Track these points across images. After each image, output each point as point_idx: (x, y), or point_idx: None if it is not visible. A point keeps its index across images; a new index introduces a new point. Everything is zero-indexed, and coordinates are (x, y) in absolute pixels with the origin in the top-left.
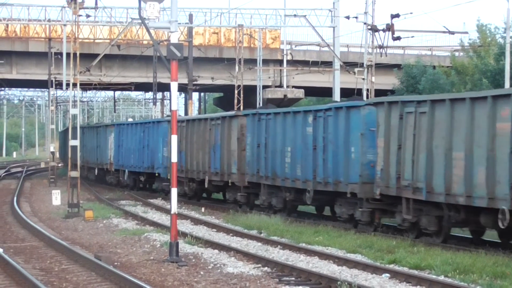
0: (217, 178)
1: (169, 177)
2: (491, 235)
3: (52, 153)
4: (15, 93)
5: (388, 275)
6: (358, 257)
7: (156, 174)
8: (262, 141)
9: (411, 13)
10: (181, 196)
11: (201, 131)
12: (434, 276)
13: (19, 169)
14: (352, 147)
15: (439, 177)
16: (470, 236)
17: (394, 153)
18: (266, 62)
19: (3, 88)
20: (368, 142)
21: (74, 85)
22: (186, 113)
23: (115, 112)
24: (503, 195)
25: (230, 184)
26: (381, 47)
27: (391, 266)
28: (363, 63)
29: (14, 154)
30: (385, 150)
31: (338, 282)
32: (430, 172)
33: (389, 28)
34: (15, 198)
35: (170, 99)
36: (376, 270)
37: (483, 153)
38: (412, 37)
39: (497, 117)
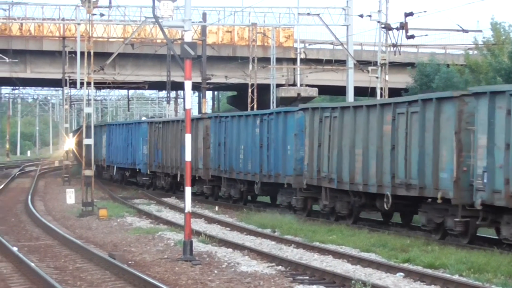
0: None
1: (149, 172)
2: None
3: (66, 152)
4: (29, 92)
5: (402, 274)
6: (372, 256)
7: (137, 170)
8: (222, 140)
9: (424, 11)
10: (160, 189)
11: (174, 131)
12: (448, 275)
13: (33, 167)
14: (288, 145)
15: (346, 170)
16: (486, 236)
17: (315, 150)
18: (279, 60)
19: (17, 87)
20: (300, 141)
21: (88, 84)
22: (199, 111)
23: (128, 111)
24: (387, 183)
25: (197, 178)
26: (394, 45)
27: (405, 265)
28: (376, 62)
29: (28, 153)
30: (310, 148)
31: (352, 281)
32: (340, 166)
33: (403, 26)
34: (29, 197)
35: (183, 98)
36: (390, 269)
37: (374, 149)
38: (426, 35)
39: (384, 121)
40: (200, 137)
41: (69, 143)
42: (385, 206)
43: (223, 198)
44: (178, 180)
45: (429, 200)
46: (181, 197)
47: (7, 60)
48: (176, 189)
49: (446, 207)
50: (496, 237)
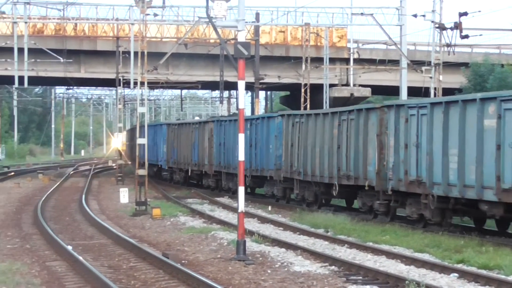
0: (196, 168)
1: (167, 168)
2: None
3: (120, 151)
4: (83, 92)
5: (456, 274)
6: (425, 257)
7: (159, 166)
8: (222, 140)
9: (479, 11)
10: (176, 183)
11: (186, 132)
12: (503, 276)
13: (87, 167)
14: (270, 145)
15: (309, 165)
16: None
17: (289, 149)
18: (332, 60)
19: (71, 87)
20: (279, 141)
21: (142, 83)
22: (252, 111)
23: (182, 110)
24: (335, 175)
25: (203, 173)
26: (448, 45)
27: (459, 265)
28: (430, 62)
29: (82, 152)
30: (285, 147)
31: (406, 282)
32: (305, 161)
33: (457, 26)
34: (83, 196)
35: (237, 98)
36: (444, 269)
37: (327, 149)
38: (480, 35)
39: (333, 126)
40: (206, 138)
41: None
42: (333, 193)
43: (224, 190)
44: (190, 174)
45: (366, 188)
46: (234, 197)
47: (62, 60)
48: (189, 183)
49: (374, 193)
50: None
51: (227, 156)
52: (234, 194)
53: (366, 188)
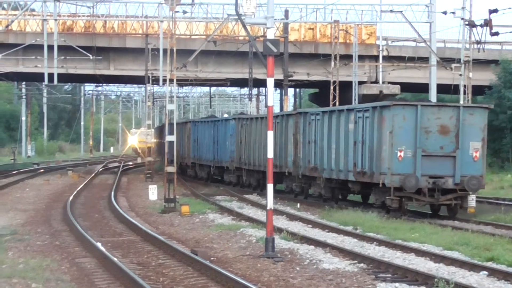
0: (218, 164)
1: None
2: None
3: (149, 148)
4: (113, 89)
5: (486, 272)
6: (455, 254)
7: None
8: (197, 137)
9: (509, 8)
10: (199, 179)
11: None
12: None
13: (116, 164)
14: (227, 142)
15: (251, 157)
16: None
17: (239, 145)
18: (361, 57)
19: (100, 84)
20: (233, 139)
21: (171, 80)
22: (281, 108)
23: (210, 107)
24: (264, 163)
25: (225, 168)
26: (478, 42)
27: (489, 263)
28: (460, 59)
29: (111, 149)
30: (237, 144)
31: (435, 279)
32: (249, 154)
33: (487, 23)
34: (112, 193)
35: (266, 95)
36: (473, 267)
37: (258, 144)
38: (511, 32)
39: (266, 127)
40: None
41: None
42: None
43: (197, 178)
44: (212, 173)
45: (286, 173)
46: (263, 194)
47: (91, 57)
48: (212, 179)
49: (292, 177)
50: None
51: (200, 150)
52: (262, 191)
53: (286, 174)
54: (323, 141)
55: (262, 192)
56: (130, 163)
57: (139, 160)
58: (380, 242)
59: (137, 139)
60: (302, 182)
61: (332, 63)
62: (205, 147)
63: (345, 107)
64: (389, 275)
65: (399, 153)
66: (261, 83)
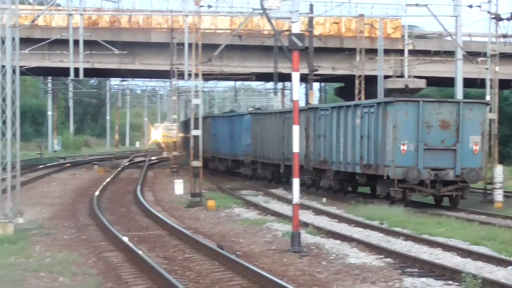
0: (234, 158)
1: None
2: None
3: (174, 143)
4: (138, 83)
5: None
6: (482, 249)
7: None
8: (214, 132)
9: None
10: (214, 170)
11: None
12: None
13: (142, 158)
14: (242, 136)
15: (266, 151)
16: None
17: (255, 139)
18: (387, 52)
19: (126, 79)
20: (248, 133)
21: (196, 75)
22: (306, 103)
23: (236, 102)
24: (281, 156)
25: (241, 161)
26: (505, 36)
27: None
28: (486, 53)
29: (137, 143)
30: (252, 138)
31: (462, 274)
32: (263, 148)
33: None
34: (138, 188)
35: (291, 90)
36: (501, 262)
37: (276, 138)
38: None
39: (279, 122)
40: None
41: (156, 134)
42: (281, 170)
43: (218, 171)
44: (229, 166)
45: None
46: (289, 188)
47: (116, 52)
48: (231, 172)
49: (304, 171)
50: None
51: (218, 144)
52: (289, 186)
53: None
54: (332, 135)
55: (277, 184)
56: (154, 158)
57: (164, 155)
58: (407, 237)
59: (161, 133)
60: (313, 175)
61: (357, 57)
62: (223, 141)
63: (352, 102)
64: (416, 270)
65: (402, 147)
66: (286, 77)
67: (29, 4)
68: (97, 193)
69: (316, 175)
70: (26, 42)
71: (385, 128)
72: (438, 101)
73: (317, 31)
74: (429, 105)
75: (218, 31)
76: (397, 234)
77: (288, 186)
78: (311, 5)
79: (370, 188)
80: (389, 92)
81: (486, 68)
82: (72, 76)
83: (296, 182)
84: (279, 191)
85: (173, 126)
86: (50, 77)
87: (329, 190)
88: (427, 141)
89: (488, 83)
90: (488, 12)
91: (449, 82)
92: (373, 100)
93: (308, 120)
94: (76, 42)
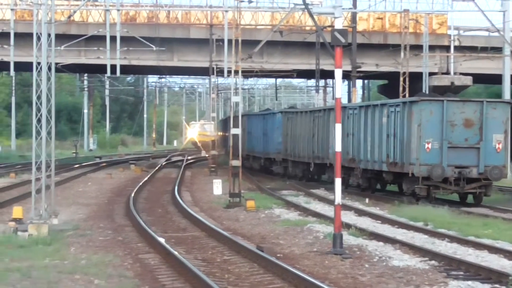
0: (266, 156)
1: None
2: None
3: (213, 141)
4: (176, 81)
5: None
6: None
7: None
8: (289, 131)
9: None
10: (249, 169)
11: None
12: None
13: (180, 157)
14: (274, 134)
15: (296, 149)
16: None
17: (285, 138)
18: (432, 48)
19: (164, 76)
20: (279, 131)
21: (236, 72)
22: (349, 100)
23: (276, 100)
24: (310, 154)
25: (273, 159)
26: None
27: None
28: None
29: (175, 142)
30: (284, 136)
31: (510, 278)
32: (293, 146)
33: None
34: (176, 187)
35: (333, 87)
36: None
37: (306, 136)
38: None
39: (308, 121)
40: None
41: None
42: (310, 169)
43: (252, 169)
44: (262, 164)
45: (328, 165)
46: (330, 188)
47: (154, 49)
48: (265, 170)
49: (333, 169)
50: None
51: (252, 143)
52: (331, 185)
53: (328, 165)
54: (360, 134)
55: (318, 184)
56: (190, 157)
57: (202, 154)
58: (452, 239)
59: (197, 132)
60: (342, 173)
61: (402, 53)
62: (257, 139)
63: (379, 102)
64: (461, 272)
65: (426, 145)
66: (329, 75)
67: None
68: (133, 193)
69: (345, 173)
70: (62, 38)
71: (410, 127)
72: (462, 100)
73: (360, 26)
74: (453, 104)
75: (258, 27)
76: (442, 236)
77: (329, 186)
78: (355, 0)
79: (397, 186)
80: (434, 89)
81: None
82: (108, 73)
83: (338, 182)
84: (320, 192)
85: (209, 124)
86: (86, 74)
87: (358, 188)
88: (451, 140)
89: None
90: None
91: (496, 79)
92: (399, 99)
93: None
94: (113, 38)
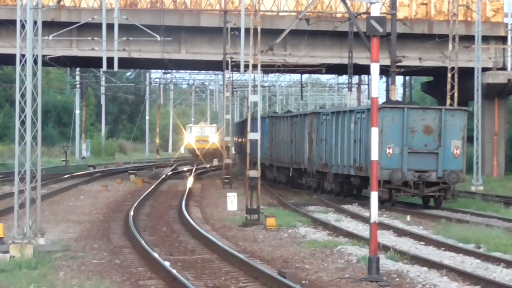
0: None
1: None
2: None
3: (227, 148)
4: (184, 77)
5: None
6: None
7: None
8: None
9: None
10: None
11: (285, 126)
12: None
13: (188, 167)
14: (263, 139)
15: (280, 154)
16: None
17: (271, 142)
18: (485, 39)
19: (170, 71)
20: (267, 136)
21: (254, 66)
22: (387, 99)
23: (302, 99)
24: (289, 160)
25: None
26: None
27: None
28: None
29: (182, 149)
30: (269, 141)
31: None
32: (277, 151)
33: None
34: (183, 202)
35: (368, 84)
36: None
37: (288, 141)
38: None
39: (289, 125)
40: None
41: (189, 138)
42: (289, 174)
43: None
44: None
45: (303, 170)
46: (365, 204)
47: (158, 39)
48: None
49: (308, 174)
50: None
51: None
52: (365, 201)
53: (303, 170)
54: (332, 139)
55: (346, 199)
56: (198, 166)
57: (215, 163)
58: (509, 264)
59: (194, 137)
60: (317, 178)
61: (450, 45)
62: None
63: (348, 108)
64: None
65: (388, 150)
66: (363, 70)
67: None
68: (133, 208)
69: (319, 178)
70: (50, 26)
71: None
72: (422, 108)
73: (401, 14)
74: (414, 112)
75: (281, 14)
76: (497, 260)
77: (363, 201)
78: None
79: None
80: (488, 88)
81: None
82: (104, 67)
83: (374, 196)
84: (353, 208)
85: (211, 128)
86: (78, 69)
87: (331, 192)
88: (412, 145)
89: None
90: None
91: None
92: (364, 106)
93: (311, 125)
94: (110, 27)
